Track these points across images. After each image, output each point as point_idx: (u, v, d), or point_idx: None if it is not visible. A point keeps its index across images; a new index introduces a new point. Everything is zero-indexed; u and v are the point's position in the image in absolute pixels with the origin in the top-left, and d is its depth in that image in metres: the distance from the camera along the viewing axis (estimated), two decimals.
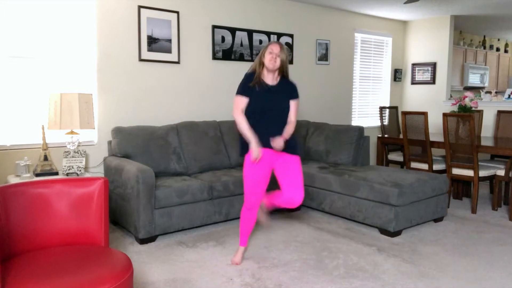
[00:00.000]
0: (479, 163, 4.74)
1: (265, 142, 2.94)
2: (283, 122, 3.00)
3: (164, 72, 4.56)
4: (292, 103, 3.02)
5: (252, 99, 2.96)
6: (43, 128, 3.60)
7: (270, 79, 3.00)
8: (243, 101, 2.96)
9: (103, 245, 2.33)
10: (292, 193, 2.97)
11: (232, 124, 4.74)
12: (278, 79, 3.02)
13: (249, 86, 2.96)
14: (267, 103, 2.96)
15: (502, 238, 3.72)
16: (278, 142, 2.86)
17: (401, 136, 5.29)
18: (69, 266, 1.98)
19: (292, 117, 3.03)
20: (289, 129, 2.99)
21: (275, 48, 2.92)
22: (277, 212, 4.43)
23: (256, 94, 2.96)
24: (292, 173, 3.00)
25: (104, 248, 2.25)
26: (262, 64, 2.96)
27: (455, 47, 7.77)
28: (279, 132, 2.95)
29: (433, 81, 6.82)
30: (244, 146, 3.01)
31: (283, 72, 3.00)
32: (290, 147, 3.00)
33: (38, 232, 2.26)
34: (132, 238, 3.66)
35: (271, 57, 2.90)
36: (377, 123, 6.77)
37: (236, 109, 2.98)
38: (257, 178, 2.99)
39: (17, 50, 3.71)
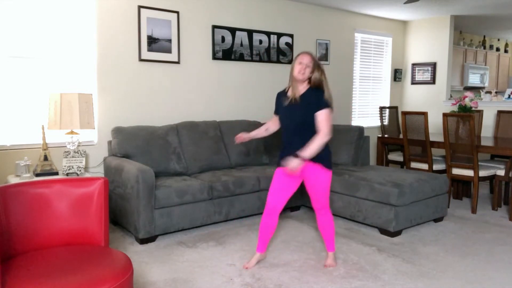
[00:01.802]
0: (479, 163, 4.74)
1: (288, 156, 2.86)
2: (306, 137, 2.83)
3: (164, 72, 4.56)
4: (317, 115, 2.82)
5: (280, 115, 3.03)
6: (43, 128, 3.60)
7: (300, 90, 2.89)
8: (274, 119, 3.14)
9: (103, 245, 2.33)
10: (316, 212, 3.07)
11: (232, 124, 4.74)
12: (305, 90, 2.89)
13: (278, 102, 3.04)
14: (287, 118, 2.93)
15: (502, 238, 3.72)
16: (290, 162, 2.73)
17: (401, 136, 5.29)
18: (69, 266, 1.98)
19: (319, 128, 2.82)
20: (311, 143, 2.78)
21: (305, 59, 2.85)
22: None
23: (282, 109, 2.99)
24: (313, 192, 2.98)
25: (104, 248, 2.25)
26: (292, 76, 2.88)
27: (455, 47, 7.77)
28: (302, 144, 2.82)
29: (433, 81, 6.82)
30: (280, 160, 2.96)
31: (318, 83, 2.88)
32: (318, 159, 2.86)
33: (38, 232, 2.26)
34: (132, 238, 3.66)
35: (301, 68, 2.83)
36: (377, 123, 6.77)
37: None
38: (276, 182, 2.97)
39: (17, 50, 3.71)
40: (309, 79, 2.89)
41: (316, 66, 2.88)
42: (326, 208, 3.06)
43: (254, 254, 3.12)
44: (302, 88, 2.90)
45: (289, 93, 2.93)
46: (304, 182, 3.01)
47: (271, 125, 3.18)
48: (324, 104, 2.84)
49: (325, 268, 3.04)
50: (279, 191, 2.97)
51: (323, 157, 2.89)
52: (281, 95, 3.03)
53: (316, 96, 2.86)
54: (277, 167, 3.03)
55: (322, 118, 2.82)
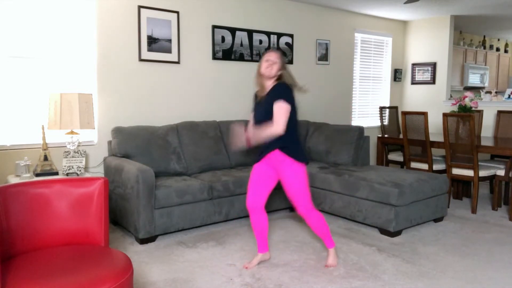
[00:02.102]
0: (479, 163, 4.74)
1: (261, 154, 2.99)
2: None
3: (164, 72, 4.56)
4: (274, 107, 2.81)
5: (254, 113, 3.07)
6: (43, 128, 3.60)
7: (268, 87, 2.93)
8: (251, 116, 3.12)
9: (103, 245, 2.33)
10: (302, 215, 3.03)
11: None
12: (271, 87, 2.90)
13: (254, 103, 3.09)
14: (257, 116, 2.99)
15: (502, 238, 3.72)
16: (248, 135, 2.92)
17: (401, 136, 5.28)
18: (69, 266, 1.98)
19: (273, 120, 2.80)
20: (263, 129, 2.82)
21: (271, 56, 2.90)
22: (277, 212, 4.43)
23: (255, 107, 3.06)
24: (288, 189, 2.96)
25: (104, 248, 2.25)
26: (259, 74, 2.93)
27: (455, 47, 7.77)
28: (272, 143, 2.86)
29: (433, 81, 6.82)
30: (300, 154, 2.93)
31: (282, 79, 2.91)
32: (287, 153, 2.88)
33: (38, 232, 2.26)
34: (132, 238, 3.66)
35: (268, 65, 2.88)
36: (377, 123, 6.77)
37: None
38: (252, 180, 3.01)
39: (17, 50, 3.71)
40: (278, 77, 2.92)
41: (284, 64, 2.93)
42: (309, 208, 2.96)
43: (256, 255, 3.13)
44: (269, 85, 2.93)
45: (258, 92, 3.01)
46: (280, 181, 3.02)
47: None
48: (280, 95, 2.81)
49: (325, 268, 3.04)
50: (256, 188, 3.00)
51: (291, 150, 2.87)
52: (255, 96, 3.10)
53: (277, 90, 2.86)
54: (253, 164, 3.07)
55: (276, 110, 2.80)
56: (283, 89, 2.85)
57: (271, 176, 3.01)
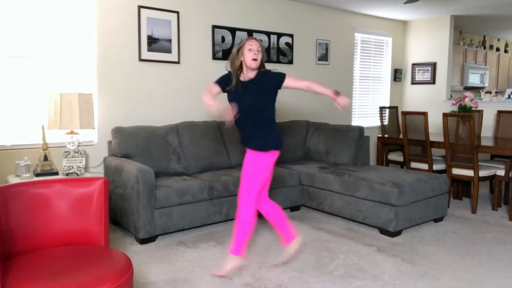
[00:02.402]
0: (479, 163, 4.73)
1: (248, 143, 2.88)
2: (266, 118, 2.86)
3: (164, 72, 4.56)
4: (286, 84, 2.84)
5: (231, 100, 2.89)
6: (43, 128, 3.60)
7: (248, 77, 2.87)
8: (214, 87, 2.93)
9: (103, 245, 2.33)
10: (263, 203, 3.01)
11: (232, 124, 4.73)
12: (255, 73, 2.86)
13: (226, 82, 2.91)
14: (244, 101, 2.83)
15: (502, 238, 3.72)
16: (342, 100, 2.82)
17: (401, 136, 5.28)
18: (69, 266, 1.98)
19: (302, 86, 2.85)
20: (317, 88, 2.84)
21: (254, 44, 2.80)
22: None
23: (234, 94, 2.87)
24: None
25: (104, 248, 2.25)
26: (241, 63, 2.83)
27: (455, 47, 7.77)
28: (259, 131, 2.83)
29: (433, 81, 6.82)
30: (268, 143, 2.87)
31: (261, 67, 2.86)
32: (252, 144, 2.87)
33: (38, 232, 2.26)
34: (132, 238, 3.66)
35: (253, 55, 2.77)
36: (377, 123, 6.77)
37: (205, 91, 2.93)
38: (263, 178, 2.90)
39: (17, 50, 3.71)
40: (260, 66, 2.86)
41: (264, 53, 2.88)
42: (240, 199, 2.87)
43: (289, 246, 3.05)
44: (251, 74, 2.86)
45: (244, 77, 2.87)
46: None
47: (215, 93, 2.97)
48: (280, 76, 2.85)
49: (325, 268, 3.04)
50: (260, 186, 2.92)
51: (255, 144, 2.84)
52: (229, 78, 2.92)
53: (268, 75, 2.86)
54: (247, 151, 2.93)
55: (293, 79, 2.86)
56: (273, 72, 2.88)
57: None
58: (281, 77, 2.86)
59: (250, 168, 2.86)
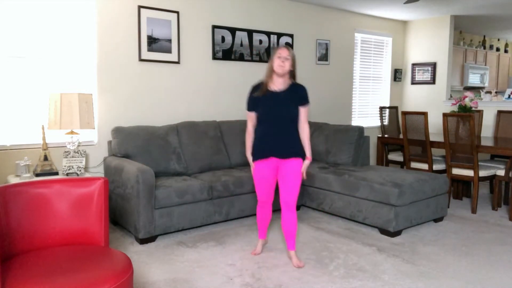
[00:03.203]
0: (479, 163, 4.74)
1: (271, 151, 3.01)
2: (291, 128, 3.01)
3: (164, 72, 4.56)
4: (302, 110, 3.02)
5: (259, 108, 3.01)
6: (43, 128, 3.60)
7: (280, 83, 2.99)
8: (250, 116, 3.10)
9: (103, 245, 2.33)
10: (282, 197, 3.08)
11: (232, 124, 4.75)
12: (288, 84, 3.01)
13: (254, 98, 3.05)
14: (274, 110, 2.97)
15: (502, 238, 3.72)
16: (305, 168, 3.03)
17: (401, 136, 5.29)
18: (69, 266, 1.98)
19: (305, 126, 3.04)
20: (306, 143, 3.04)
21: (283, 52, 2.93)
22: (277, 212, 4.43)
23: (263, 102, 2.99)
24: (287, 179, 3.04)
25: (104, 248, 2.25)
26: (271, 70, 2.98)
27: (455, 47, 7.77)
28: (286, 139, 2.98)
29: (433, 81, 6.82)
30: (255, 153, 3.08)
31: (293, 77, 3.03)
32: (295, 152, 3.03)
33: (38, 232, 2.26)
34: (132, 238, 3.66)
35: (280, 61, 2.91)
36: (377, 123, 6.77)
37: (247, 124, 3.15)
38: (261, 181, 3.10)
39: (17, 50, 3.71)
40: (290, 73, 3.00)
41: (294, 60, 2.99)
42: (295, 205, 3.09)
43: (258, 241, 3.34)
44: (283, 82, 2.99)
45: (271, 87, 3.01)
46: (279, 177, 3.08)
47: (253, 124, 3.13)
48: (307, 100, 3.05)
49: (325, 268, 3.04)
50: (264, 188, 3.12)
51: (299, 150, 3.04)
52: (255, 90, 3.07)
53: (301, 92, 3.03)
54: (256, 160, 3.08)
55: (305, 114, 3.04)
56: (306, 92, 3.05)
57: (273, 177, 3.15)
58: (306, 101, 3.05)
59: (298, 176, 3.03)
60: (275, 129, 2.98)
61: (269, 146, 3.00)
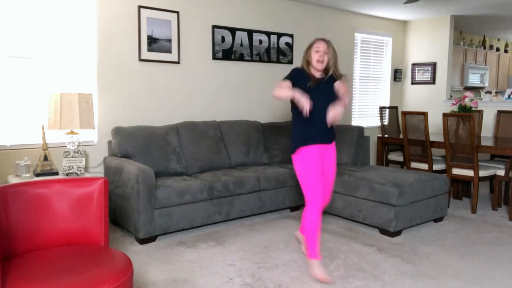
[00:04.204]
0: (479, 163, 4.74)
1: (316, 139, 2.85)
2: (326, 115, 2.85)
3: (164, 72, 4.56)
4: (337, 84, 2.86)
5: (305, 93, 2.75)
6: (43, 128, 3.60)
7: (319, 75, 2.89)
8: (286, 83, 2.79)
9: (103, 245, 2.33)
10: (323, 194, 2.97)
11: (232, 124, 4.74)
12: (328, 76, 2.89)
13: (297, 77, 2.84)
14: (317, 100, 2.78)
15: (502, 238, 3.72)
16: (333, 113, 2.73)
17: (401, 136, 5.28)
18: (69, 266, 1.98)
19: (343, 91, 2.84)
20: (344, 98, 2.81)
21: (321, 46, 2.79)
22: (277, 212, 4.44)
23: (306, 91, 2.76)
24: (328, 172, 3.01)
25: (104, 248, 2.25)
26: (308, 64, 2.85)
27: (455, 47, 7.77)
28: (329, 130, 2.89)
29: (433, 81, 6.82)
30: (295, 144, 2.88)
31: (334, 72, 2.89)
32: (333, 136, 2.98)
33: (38, 232, 2.26)
34: (132, 238, 3.66)
35: (319, 56, 2.77)
36: (377, 123, 6.77)
37: (276, 88, 2.79)
38: (313, 172, 2.80)
39: (17, 50, 3.71)
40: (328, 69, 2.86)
41: (334, 52, 2.84)
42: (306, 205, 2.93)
43: (312, 262, 2.84)
44: (320, 73, 2.89)
45: (317, 74, 2.87)
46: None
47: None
48: (342, 76, 2.94)
49: (325, 268, 3.03)
50: (316, 182, 2.81)
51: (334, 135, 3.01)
52: (301, 73, 2.89)
53: (336, 75, 2.92)
54: (304, 150, 2.84)
55: (343, 85, 2.91)
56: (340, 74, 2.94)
57: (320, 168, 2.96)
58: (339, 77, 2.91)
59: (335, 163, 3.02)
60: (321, 117, 2.82)
61: (321, 134, 2.87)
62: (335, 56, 2.87)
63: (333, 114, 2.72)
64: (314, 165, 2.81)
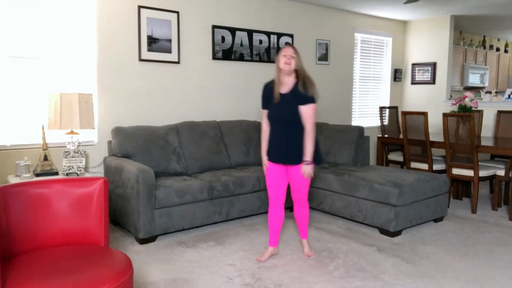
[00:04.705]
0: (479, 163, 4.73)
1: (275, 156, 3.07)
2: (296, 133, 2.97)
3: (164, 72, 4.56)
4: (302, 109, 2.93)
5: (269, 109, 3.08)
6: (43, 128, 3.60)
7: (286, 85, 2.99)
8: (264, 113, 3.12)
9: (103, 245, 2.33)
10: (291, 195, 3.21)
11: (232, 124, 4.75)
12: (294, 85, 2.97)
13: (266, 96, 3.09)
14: (277, 114, 3.00)
15: (502, 238, 3.72)
16: (306, 171, 3.00)
17: (401, 136, 5.28)
18: (69, 266, 1.98)
19: (306, 126, 2.96)
20: (307, 145, 2.96)
21: (288, 51, 2.95)
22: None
23: (271, 104, 3.04)
24: (294, 185, 3.14)
25: (104, 248, 2.25)
26: (278, 69, 2.99)
27: (455, 47, 7.77)
28: (292, 145, 2.98)
29: (433, 81, 6.82)
30: (269, 153, 3.13)
31: (303, 77, 2.99)
32: (299, 159, 3.03)
33: (38, 232, 2.26)
34: (132, 238, 3.66)
35: (286, 60, 2.93)
36: (377, 123, 6.77)
37: (262, 122, 3.17)
38: (273, 181, 3.13)
39: (17, 50, 3.71)
40: (296, 73, 2.99)
41: (299, 59, 2.99)
42: (305, 200, 3.20)
43: (267, 249, 3.23)
44: (290, 81, 2.98)
45: (278, 89, 3.01)
46: (289, 179, 3.15)
47: (267, 123, 3.15)
48: (310, 98, 2.95)
49: (325, 268, 3.04)
50: (277, 184, 3.12)
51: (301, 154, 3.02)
52: (268, 89, 3.08)
53: (304, 90, 2.95)
54: (269, 160, 3.13)
55: (308, 114, 2.94)
56: (310, 90, 2.96)
57: (282, 181, 3.18)
58: (308, 100, 2.95)
59: (304, 179, 3.10)
60: (282, 133, 3.01)
61: (278, 153, 3.05)
62: (301, 62, 3.03)
63: (308, 173, 3.02)
64: (269, 177, 3.14)
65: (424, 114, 4.76)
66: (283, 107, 2.97)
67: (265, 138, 3.14)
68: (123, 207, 3.67)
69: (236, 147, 4.58)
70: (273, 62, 5.42)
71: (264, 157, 3.15)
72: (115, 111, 4.27)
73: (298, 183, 3.09)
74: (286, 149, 3.01)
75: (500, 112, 5.49)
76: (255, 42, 5.24)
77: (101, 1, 4.10)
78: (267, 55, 5.36)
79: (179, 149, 4.24)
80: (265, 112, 3.11)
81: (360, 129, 4.72)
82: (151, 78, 4.48)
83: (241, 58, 5.13)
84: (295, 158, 3.00)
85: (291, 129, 2.98)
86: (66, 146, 3.73)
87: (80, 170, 3.63)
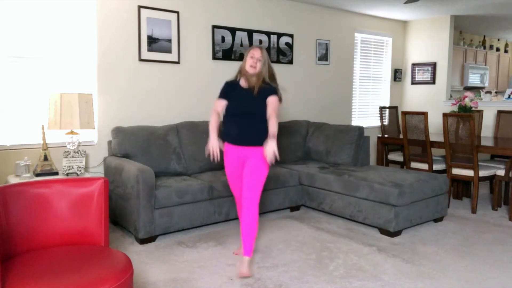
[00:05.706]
0: (479, 163, 4.74)
1: (235, 138, 2.98)
2: (259, 121, 2.93)
3: (164, 72, 4.56)
4: (269, 99, 2.91)
5: (230, 102, 3.00)
6: (43, 128, 3.61)
7: (250, 82, 2.97)
8: (219, 102, 3.04)
9: (103, 245, 2.33)
10: (243, 194, 2.92)
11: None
12: (259, 82, 2.95)
13: (229, 89, 3.04)
14: (242, 107, 2.95)
15: (502, 238, 3.72)
16: (269, 147, 2.74)
17: (401, 136, 5.29)
18: (69, 266, 1.98)
19: (271, 112, 2.88)
20: (272, 125, 2.81)
21: (256, 53, 2.92)
22: (277, 212, 4.44)
23: (235, 97, 2.99)
24: (248, 177, 2.93)
25: (104, 248, 2.25)
26: (244, 69, 2.97)
27: (455, 47, 7.77)
28: (254, 134, 2.93)
29: (433, 81, 6.82)
30: (226, 136, 3.06)
31: (264, 80, 2.96)
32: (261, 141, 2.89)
33: (38, 232, 2.26)
34: (132, 238, 3.66)
35: (252, 62, 2.91)
36: (377, 123, 6.77)
37: (213, 110, 3.09)
38: (229, 172, 3.08)
39: (17, 50, 3.71)
40: (259, 75, 2.95)
41: (267, 60, 2.96)
42: (255, 201, 2.89)
43: (243, 259, 2.90)
44: (254, 80, 2.95)
45: (244, 84, 3.00)
46: (244, 170, 2.97)
47: (220, 111, 3.07)
48: (274, 91, 2.97)
49: (325, 268, 3.04)
50: (238, 178, 3.05)
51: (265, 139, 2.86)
52: (231, 84, 3.06)
53: (268, 89, 2.96)
54: (226, 141, 3.05)
55: (273, 103, 2.92)
56: (273, 86, 3.00)
57: (242, 166, 3.06)
58: (272, 92, 2.97)
59: (265, 167, 2.97)
60: (244, 122, 2.94)
61: (238, 135, 2.96)
62: (269, 65, 3.00)
63: (271, 151, 2.73)
64: (229, 168, 3.08)
65: (424, 114, 4.76)
66: (250, 101, 2.93)
67: (215, 125, 3.00)
68: (123, 207, 3.67)
69: None
70: (273, 62, 5.40)
71: (215, 140, 2.94)
72: (115, 111, 4.27)
73: (255, 175, 2.87)
74: (248, 131, 2.93)
75: (500, 112, 5.49)
76: (255, 42, 5.24)
77: (101, 1, 4.10)
78: (267, 55, 5.35)
79: (179, 149, 4.24)
80: (220, 102, 3.02)
81: (360, 129, 4.72)
82: (151, 78, 4.48)
83: (241, 58, 5.13)
84: (257, 140, 2.90)
85: (254, 120, 2.94)
86: (66, 146, 3.73)
87: (80, 170, 3.63)
